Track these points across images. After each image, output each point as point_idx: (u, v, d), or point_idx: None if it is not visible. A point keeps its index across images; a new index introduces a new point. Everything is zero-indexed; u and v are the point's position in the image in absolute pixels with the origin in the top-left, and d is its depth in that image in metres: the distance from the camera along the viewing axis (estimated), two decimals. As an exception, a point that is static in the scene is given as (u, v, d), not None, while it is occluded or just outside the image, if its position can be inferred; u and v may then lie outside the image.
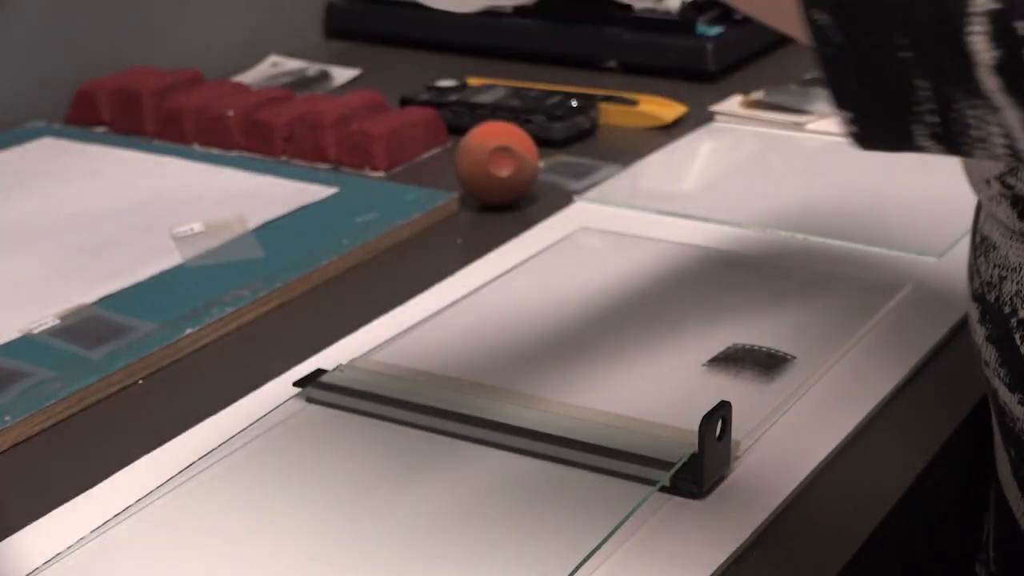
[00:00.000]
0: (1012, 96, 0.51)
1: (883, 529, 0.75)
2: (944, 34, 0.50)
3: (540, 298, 0.99)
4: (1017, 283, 0.71)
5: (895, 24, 0.51)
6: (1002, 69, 0.50)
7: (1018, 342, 0.71)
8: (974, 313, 0.75)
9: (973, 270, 0.76)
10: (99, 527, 0.74)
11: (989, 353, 0.74)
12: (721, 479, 0.77)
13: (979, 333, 0.74)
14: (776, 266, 1.03)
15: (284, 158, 1.29)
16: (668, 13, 1.53)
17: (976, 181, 0.76)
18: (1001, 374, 0.73)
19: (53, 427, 0.86)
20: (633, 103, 1.36)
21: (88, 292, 1.00)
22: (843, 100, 0.55)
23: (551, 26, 1.56)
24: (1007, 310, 0.71)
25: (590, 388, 0.86)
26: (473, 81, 1.40)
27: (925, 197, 1.15)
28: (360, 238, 1.08)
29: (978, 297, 0.75)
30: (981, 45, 0.50)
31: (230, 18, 1.60)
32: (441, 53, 1.61)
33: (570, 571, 0.69)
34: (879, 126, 0.55)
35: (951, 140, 0.54)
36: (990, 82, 0.50)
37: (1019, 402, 0.73)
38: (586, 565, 0.70)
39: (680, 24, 1.51)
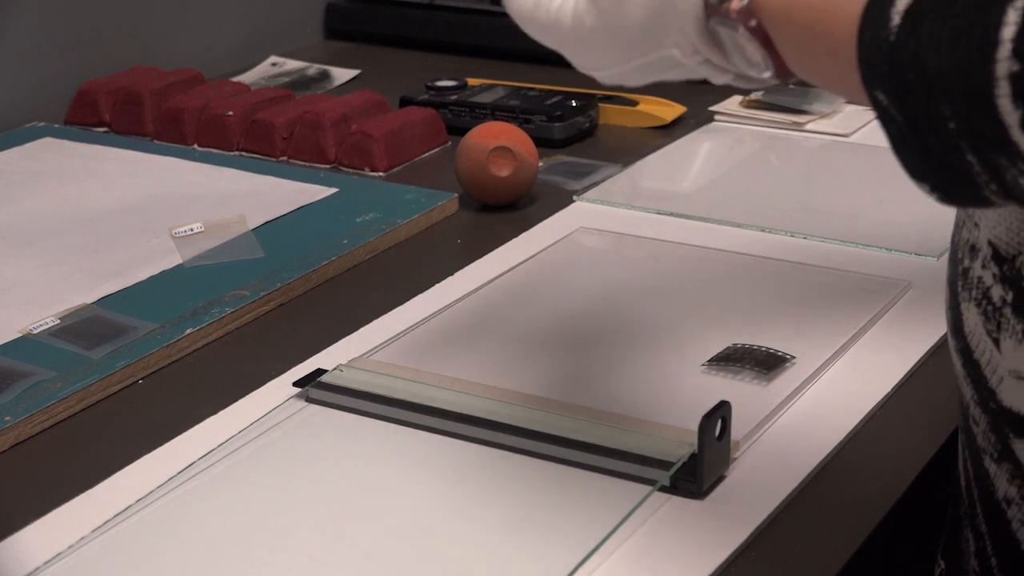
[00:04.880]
0: None
1: (883, 528, 0.75)
2: (976, 100, 0.53)
3: (540, 298, 0.99)
4: (969, 232, 0.72)
5: (938, 95, 0.54)
6: None
7: (959, 289, 0.72)
8: (942, 300, 0.76)
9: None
10: (99, 527, 0.74)
11: (945, 294, 0.75)
12: (720, 479, 0.77)
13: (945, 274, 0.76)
14: (776, 266, 1.03)
15: (284, 158, 1.29)
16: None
17: None
18: (949, 318, 0.74)
19: (53, 427, 0.86)
20: (633, 103, 1.36)
21: (88, 292, 1.00)
22: (916, 175, 0.59)
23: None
24: (959, 255, 0.73)
25: (590, 388, 0.86)
26: (473, 81, 1.40)
27: (925, 197, 1.15)
28: (360, 238, 1.08)
29: (952, 237, 0.75)
30: (1007, 107, 0.52)
31: (230, 18, 1.60)
32: (441, 53, 1.61)
33: (570, 571, 0.69)
34: (955, 193, 0.58)
35: (1021, 200, 0.56)
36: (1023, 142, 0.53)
37: (955, 348, 0.73)
38: (586, 564, 0.70)
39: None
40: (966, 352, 0.72)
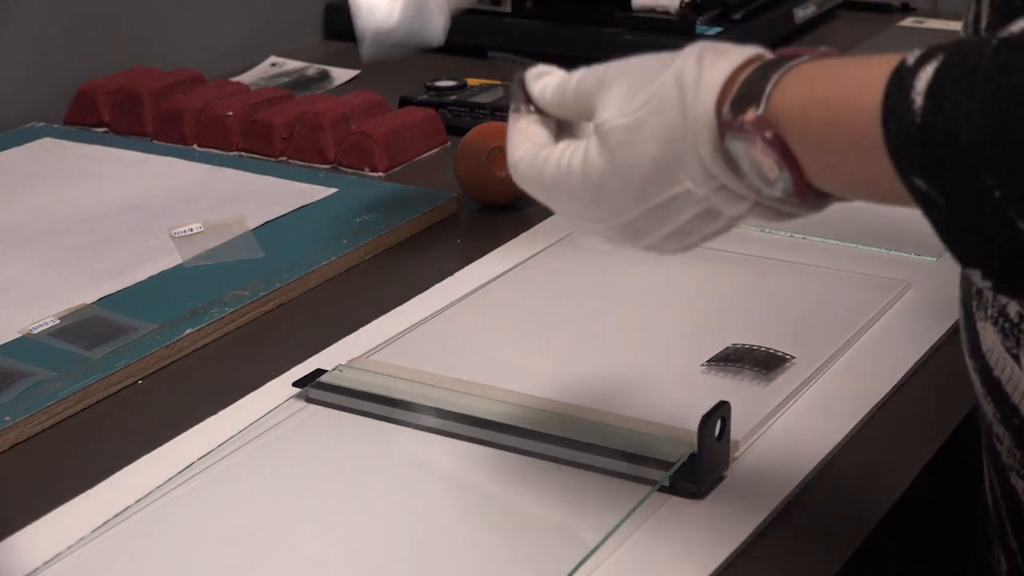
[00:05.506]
0: None
1: (882, 528, 0.75)
2: (1019, 161, 0.52)
3: (540, 298, 0.99)
4: None
5: (978, 165, 0.53)
6: None
7: (973, 309, 0.72)
8: (941, 307, 0.76)
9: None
10: (99, 527, 0.74)
11: (959, 315, 0.75)
12: (720, 479, 0.77)
13: (957, 295, 0.76)
14: (776, 266, 1.03)
15: (284, 158, 1.29)
16: (667, 13, 1.53)
17: None
18: (964, 338, 0.74)
19: (53, 427, 0.86)
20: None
21: (88, 292, 1.00)
22: (967, 260, 0.57)
23: (551, 26, 1.56)
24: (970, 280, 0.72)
25: (590, 388, 0.86)
26: (473, 81, 1.40)
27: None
28: (360, 238, 1.08)
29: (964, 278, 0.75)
30: None
31: (230, 18, 1.60)
32: (441, 53, 1.61)
33: (570, 571, 0.69)
34: (1009, 275, 0.56)
35: None
36: None
37: (973, 368, 0.73)
38: (586, 565, 0.70)
39: (679, 24, 1.51)
40: (985, 371, 0.72)
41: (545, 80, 0.71)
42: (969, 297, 0.72)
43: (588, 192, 0.67)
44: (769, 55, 0.63)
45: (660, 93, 0.63)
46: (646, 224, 0.66)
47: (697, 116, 0.62)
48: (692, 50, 0.63)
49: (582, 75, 0.69)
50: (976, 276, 0.57)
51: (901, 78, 0.56)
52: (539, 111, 0.71)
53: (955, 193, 0.55)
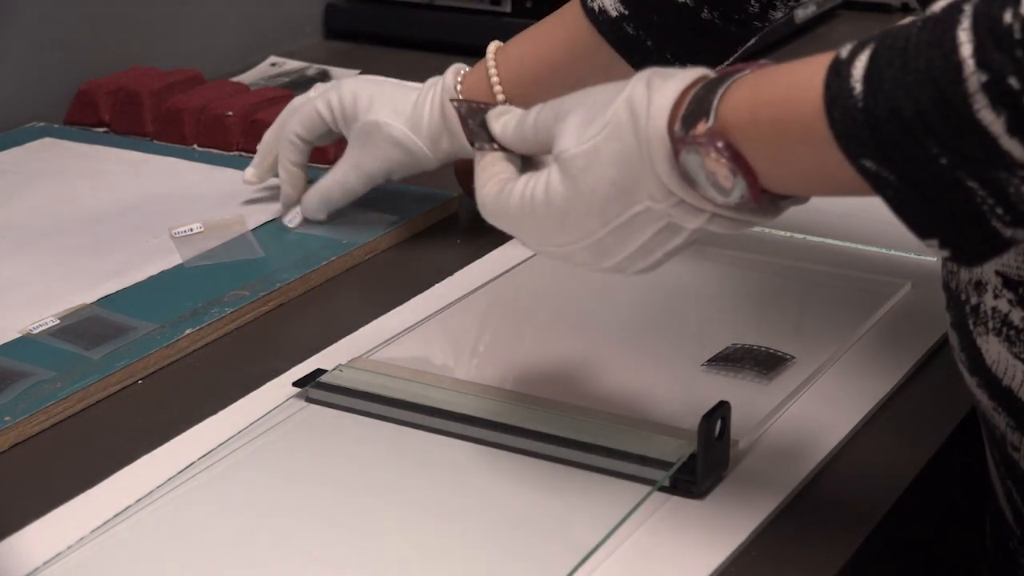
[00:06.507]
0: None
1: (883, 528, 0.75)
2: (959, 123, 0.55)
3: (540, 298, 0.99)
4: (969, 271, 0.74)
5: (922, 134, 0.56)
6: (1014, 129, 0.54)
7: (971, 327, 0.73)
8: (944, 300, 0.77)
9: (942, 260, 0.78)
10: (99, 527, 0.74)
11: (953, 338, 0.76)
12: (720, 479, 0.77)
13: (947, 319, 0.77)
14: (776, 266, 1.03)
15: (284, 158, 1.28)
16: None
17: None
18: (963, 359, 0.75)
19: (53, 427, 0.86)
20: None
21: (88, 292, 1.00)
22: (924, 231, 0.59)
23: (551, 26, 1.56)
24: (962, 297, 0.73)
25: (590, 388, 0.86)
26: (473, 81, 1.40)
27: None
28: (360, 238, 1.08)
29: (945, 285, 0.76)
30: (989, 117, 0.54)
31: (230, 18, 1.60)
32: (441, 53, 1.61)
33: (570, 571, 0.69)
34: (966, 239, 0.59)
35: None
36: (1015, 148, 0.54)
37: (977, 385, 0.75)
38: (586, 565, 0.70)
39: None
40: (992, 384, 0.73)
41: (505, 118, 0.74)
42: (963, 318, 0.74)
43: (553, 218, 0.70)
44: (712, 74, 0.66)
45: (614, 120, 0.66)
46: (612, 244, 0.69)
47: (651, 137, 0.65)
48: (641, 76, 0.66)
49: (539, 110, 0.72)
50: (934, 247, 0.59)
51: (838, 70, 0.59)
52: (503, 149, 0.74)
53: (904, 167, 0.57)
